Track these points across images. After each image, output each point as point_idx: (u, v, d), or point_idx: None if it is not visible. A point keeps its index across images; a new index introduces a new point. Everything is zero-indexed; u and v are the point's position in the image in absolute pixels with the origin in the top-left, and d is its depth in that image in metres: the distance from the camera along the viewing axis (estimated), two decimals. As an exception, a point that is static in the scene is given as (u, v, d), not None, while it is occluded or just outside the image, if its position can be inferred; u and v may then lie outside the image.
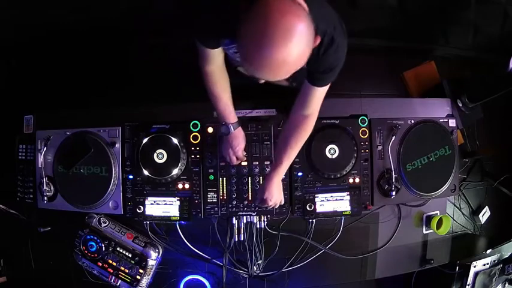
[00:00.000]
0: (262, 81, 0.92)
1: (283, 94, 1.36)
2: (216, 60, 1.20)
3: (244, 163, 1.55)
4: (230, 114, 1.36)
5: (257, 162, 1.54)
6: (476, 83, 2.00)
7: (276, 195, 1.39)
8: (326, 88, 1.19)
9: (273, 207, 1.48)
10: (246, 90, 1.53)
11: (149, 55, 2.18)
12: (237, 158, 1.50)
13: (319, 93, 1.19)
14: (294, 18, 0.81)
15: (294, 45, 0.81)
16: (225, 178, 1.55)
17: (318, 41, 0.92)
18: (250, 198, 1.54)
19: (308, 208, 1.55)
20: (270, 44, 0.80)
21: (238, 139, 1.45)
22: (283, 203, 1.48)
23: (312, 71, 1.12)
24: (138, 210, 1.54)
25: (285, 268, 1.61)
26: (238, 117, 1.41)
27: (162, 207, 1.54)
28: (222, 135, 1.49)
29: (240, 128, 1.43)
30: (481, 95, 1.92)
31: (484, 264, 1.84)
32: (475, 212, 2.22)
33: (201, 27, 1.07)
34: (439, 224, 1.72)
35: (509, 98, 2.18)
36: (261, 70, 0.86)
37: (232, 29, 0.88)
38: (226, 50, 1.20)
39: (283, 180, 1.54)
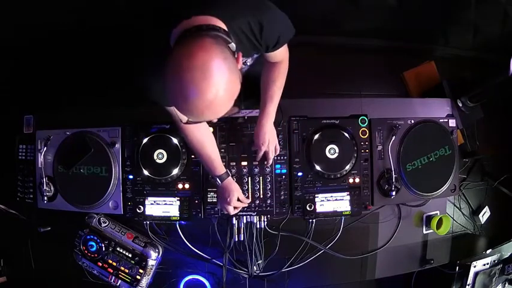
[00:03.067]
0: (215, 120, 0.93)
1: (283, 94, 1.36)
2: (181, 114, 1.20)
3: (244, 163, 1.54)
4: (215, 168, 1.37)
5: (257, 162, 1.54)
6: (476, 83, 1.99)
7: (267, 140, 1.40)
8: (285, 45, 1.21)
9: (267, 156, 1.48)
10: (246, 90, 1.53)
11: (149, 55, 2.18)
12: (236, 207, 1.45)
13: (279, 51, 1.20)
14: (203, 55, 0.79)
15: (217, 79, 0.79)
16: (225, 178, 1.55)
17: (240, 58, 0.92)
18: (250, 199, 1.54)
19: (308, 208, 1.55)
20: (193, 88, 0.78)
21: (228, 191, 1.40)
22: (278, 151, 1.49)
23: (268, 49, 1.14)
24: (138, 210, 1.54)
25: (285, 268, 1.61)
26: (238, 117, 1.41)
27: (162, 207, 1.54)
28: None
29: (229, 179, 1.40)
30: (481, 95, 1.92)
31: (484, 264, 1.84)
32: (475, 212, 2.22)
33: (150, 92, 1.11)
34: (439, 224, 1.72)
35: (509, 98, 2.19)
36: (199, 115, 0.84)
37: None
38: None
39: (283, 179, 1.55)
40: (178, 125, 1.24)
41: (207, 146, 1.34)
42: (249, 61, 1.25)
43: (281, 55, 1.24)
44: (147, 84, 1.09)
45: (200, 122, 0.92)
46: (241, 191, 1.45)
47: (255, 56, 1.23)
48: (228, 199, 1.40)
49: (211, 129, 1.54)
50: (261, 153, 1.48)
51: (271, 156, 1.49)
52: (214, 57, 0.80)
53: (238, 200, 1.43)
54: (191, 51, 0.80)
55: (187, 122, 0.92)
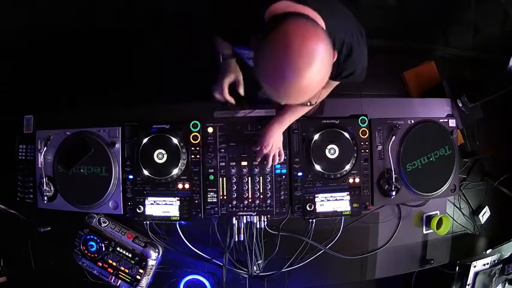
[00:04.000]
0: (283, 102, 0.93)
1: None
2: (224, 48, 1.24)
3: (244, 163, 1.54)
4: (224, 49, 1.31)
5: (257, 163, 1.54)
6: (476, 83, 2.00)
7: (271, 144, 1.38)
8: (335, 84, 1.21)
9: (271, 162, 1.47)
10: (245, 91, 1.53)
11: (149, 55, 2.18)
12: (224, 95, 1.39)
13: (327, 90, 1.22)
14: (314, 42, 0.79)
15: (317, 69, 0.80)
16: (225, 178, 1.55)
17: (336, 55, 0.91)
18: (250, 199, 1.54)
19: (308, 208, 1.55)
20: (294, 72, 0.79)
21: (228, 68, 1.34)
22: (282, 158, 1.47)
23: (336, 76, 1.12)
24: (138, 210, 1.54)
25: (285, 268, 1.61)
26: (238, 117, 1.40)
27: (162, 207, 1.54)
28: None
29: (233, 60, 1.33)
30: (480, 94, 1.92)
31: (484, 264, 1.84)
32: (475, 212, 2.22)
33: (224, 24, 1.06)
34: (439, 224, 1.72)
35: (509, 98, 2.19)
36: (285, 97, 0.85)
37: (247, 32, 0.89)
38: (240, 53, 1.20)
39: (283, 179, 1.55)
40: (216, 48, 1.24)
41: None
42: None
43: (322, 97, 1.24)
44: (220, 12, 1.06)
45: (277, 100, 0.89)
46: (241, 77, 1.36)
47: None
48: (227, 75, 1.34)
49: (211, 129, 1.56)
50: (260, 155, 1.47)
51: (270, 161, 1.48)
52: (323, 48, 0.80)
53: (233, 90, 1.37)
54: (304, 34, 0.79)
55: (259, 96, 0.92)
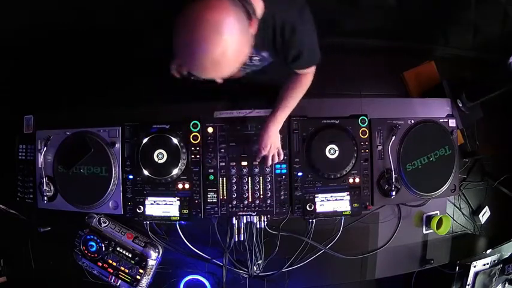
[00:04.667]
0: (220, 80, 0.94)
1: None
2: None
3: (244, 163, 1.54)
4: None
5: (257, 162, 1.54)
6: (476, 82, 2.00)
7: (269, 144, 1.39)
8: (310, 70, 1.22)
9: (271, 162, 1.47)
10: (245, 90, 1.53)
11: (149, 55, 2.18)
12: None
13: (305, 78, 1.23)
14: (217, 13, 0.81)
15: (227, 37, 0.81)
16: (225, 178, 1.55)
17: (255, 25, 0.92)
18: (250, 199, 1.54)
19: (308, 208, 1.55)
20: (202, 44, 0.80)
21: None
22: (281, 157, 1.48)
23: (280, 56, 1.14)
24: (138, 210, 1.54)
25: (285, 268, 1.61)
26: (239, 117, 1.41)
27: (162, 207, 1.54)
28: None
29: None
30: (480, 93, 1.92)
31: (484, 264, 1.84)
32: (475, 212, 2.22)
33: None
34: (439, 224, 1.72)
35: (509, 97, 2.19)
36: (204, 71, 0.85)
37: None
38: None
39: (283, 179, 1.55)
40: None
41: None
42: (257, 60, 1.24)
43: (305, 84, 1.28)
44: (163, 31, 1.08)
45: (202, 78, 0.91)
46: None
47: (265, 57, 1.21)
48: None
49: (211, 129, 1.55)
50: (260, 156, 1.47)
51: (270, 161, 1.48)
52: (229, 16, 0.82)
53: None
54: (208, 5, 0.81)
55: (189, 77, 0.94)
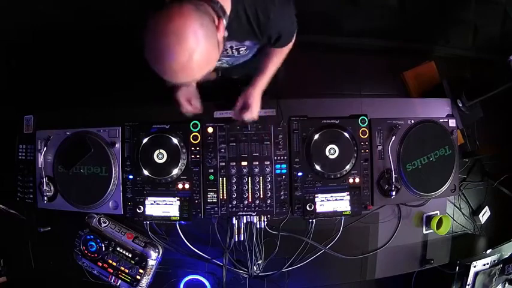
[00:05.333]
0: (194, 83, 0.96)
1: (284, 94, 1.36)
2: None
3: (244, 163, 1.54)
4: None
5: (257, 162, 1.54)
6: (475, 81, 2.00)
7: (255, 104, 1.40)
8: (290, 45, 1.27)
9: (250, 119, 1.46)
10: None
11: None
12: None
13: (285, 50, 1.27)
14: (178, 23, 0.83)
15: (191, 43, 0.84)
16: (225, 178, 1.55)
17: (222, 24, 0.94)
18: (250, 199, 1.54)
19: (308, 208, 1.55)
20: (167, 51, 0.84)
21: (178, 88, 1.43)
22: (256, 118, 1.46)
23: (263, 41, 1.17)
24: (138, 210, 1.54)
25: (285, 268, 1.61)
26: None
27: (162, 207, 1.54)
28: None
29: None
30: (479, 92, 1.92)
31: (484, 264, 1.84)
32: (475, 212, 2.22)
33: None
34: (439, 224, 1.72)
35: (509, 97, 2.19)
36: (174, 77, 0.89)
37: None
38: None
39: (283, 179, 1.55)
40: None
41: None
42: (244, 50, 1.26)
43: (284, 52, 1.30)
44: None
45: (176, 83, 0.95)
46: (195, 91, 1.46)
47: (250, 46, 1.23)
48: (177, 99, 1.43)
49: (211, 129, 1.56)
50: (235, 112, 1.46)
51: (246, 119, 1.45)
52: (190, 24, 0.84)
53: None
54: (169, 16, 0.84)
55: (166, 83, 0.95)
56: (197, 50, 0.85)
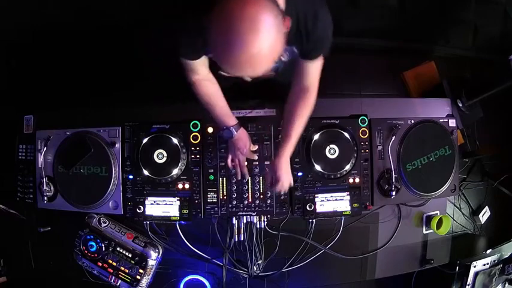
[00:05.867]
0: (248, 78, 0.93)
1: (283, 95, 1.36)
2: (201, 69, 1.20)
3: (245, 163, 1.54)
4: (229, 117, 1.35)
5: (257, 162, 1.54)
6: (475, 81, 2.00)
7: (288, 175, 1.35)
8: (320, 61, 1.19)
9: (281, 192, 1.41)
10: (245, 90, 1.53)
11: (149, 55, 2.18)
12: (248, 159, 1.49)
13: (314, 67, 1.19)
14: (255, 7, 0.79)
15: (264, 35, 0.80)
16: (225, 178, 1.55)
17: (288, 23, 0.90)
18: (250, 199, 1.54)
19: (308, 208, 1.55)
20: (239, 41, 0.79)
21: (243, 139, 1.43)
22: (292, 185, 1.42)
23: (302, 49, 1.12)
24: (138, 210, 1.54)
25: (285, 268, 1.61)
26: (239, 118, 1.41)
27: (162, 207, 1.54)
28: (225, 139, 1.46)
29: (242, 129, 1.42)
30: (479, 91, 1.92)
31: (484, 264, 1.84)
32: (475, 212, 2.22)
33: (178, 42, 1.07)
34: (439, 224, 1.72)
35: (509, 97, 2.19)
36: (239, 68, 0.85)
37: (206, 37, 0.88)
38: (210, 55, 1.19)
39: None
40: (190, 79, 1.22)
41: (219, 98, 1.31)
42: (285, 57, 1.21)
43: (312, 76, 1.22)
44: (173, 33, 1.08)
45: (235, 76, 0.91)
46: (249, 143, 1.46)
47: (295, 52, 1.19)
48: (245, 149, 1.43)
49: (211, 129, 1.56)
50: (279, 190, 1.38)
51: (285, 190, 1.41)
52: (267, 12, 0.80)
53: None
54: (244, 2, 0.79)
55: (222, 76, 0.91)
56: (268, 41, 0.80)
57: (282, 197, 1.55)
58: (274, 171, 1.33)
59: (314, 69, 1.20)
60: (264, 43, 0.80)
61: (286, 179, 1.35)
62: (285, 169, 1.35)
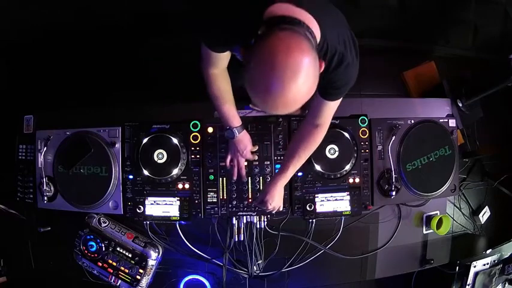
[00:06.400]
0: (272, 113, 0.94)
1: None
2: (221, 63, 1.19)
3: (245, 163, 1.54)
4: (234, 117, 1.35)
5: (257, 162, 1.54)
6: (475, 81, 1.99)
7: (276, 200, 1.37)
8: (338, 102, 1.18)
9: (270, 212, 1.45)
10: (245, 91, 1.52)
11: (149, 55, 2.18)
12: (247, 160, 1.49)
13: (330, 107, 1.19)
14: (299, 55, 0.80)
15: (302, 82, 0.81)
16: (225, 178, 1.55)
17: (323, 66, 0.91)
18: (250, 199, 1.54)
19: (308, 208, 1.55)
20: (279, 84, 0.80)
21: (245, 142, 1.43)
22: (281, 209, 1.46)
23: (323, 86, 1.10)
24: (138, 210, 1.54)
25: (285, 268, 1.61)
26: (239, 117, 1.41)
27: (162, 207, 1.54)
28: (227, 139, 1.46)
29: (245, 131, 1.41)
30: (479, 90, 1.92)
31: (484, 264, 1.84)
32: (475, 212, 2.22)
33: (212, 32, 1.05)
34: (439, 224, 1.72)
35: (509, 97, 2.19)
36: (273, 109, 0.86)
37: (244, 38, 0.89)
38: (235, 53, 1.18)
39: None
40: (207, 72, 1.21)
41: (229, 96, 1.30)
42: None
43: (328, 114, 1.23)
44: (209, 21, 1.05)
45: (266, 110, 0.93)
46: (250, 145, 1.47)
47: None
48: (245, 151, 1.43)
49: (211, 129, 1.55)
50: (268, 210, 1.42)
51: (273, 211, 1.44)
52: (308, 60, 0.81)
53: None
54: (288, 48, 0.80)
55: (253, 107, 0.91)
56: (305, 88, 0.82)
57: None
58: (265, 195, 1.35)
59: (331, 108, 1.21)
60: (302, 89, 0.82)
61: (276, 204, 1.38)
62: (277, 195, 1.37)
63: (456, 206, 2.11)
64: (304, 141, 1.28)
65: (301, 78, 0.80)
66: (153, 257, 1.55)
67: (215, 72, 1.21)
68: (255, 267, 1.58)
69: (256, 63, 0.82)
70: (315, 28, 0.90)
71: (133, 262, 1.55)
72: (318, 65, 0.86)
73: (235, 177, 1.50)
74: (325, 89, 1.11)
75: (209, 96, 1.27)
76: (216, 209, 1.54)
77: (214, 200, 1.54)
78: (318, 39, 0.93)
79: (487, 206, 2.22)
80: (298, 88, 0.81)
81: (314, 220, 1.57)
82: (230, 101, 1.31)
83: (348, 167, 1.55)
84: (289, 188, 1.56)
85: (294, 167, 1.31)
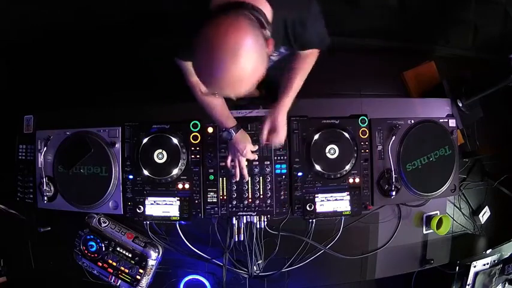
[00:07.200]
0: (234, 98, 0.96)
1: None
2: None
3: (245, 163, 1.54)
4: (228, 119, 1.36)
5: (257, 162, 1.54)
6: (475, 81, 1.99)
7: (282, 128, 1.34)
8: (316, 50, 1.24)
9: (277, 145, 1.40)
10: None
11: (149, 55, 2.18)
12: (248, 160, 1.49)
13: (310, 57, 1.25)
14: (237, 36, 0.82)
15: (245, 61, 0.83)
16: (225, 178, 1.55)
17: (271, 46, 0.93)
18: (250, 199, 1.54)
19: (308, 208, 1.55)
20: (220, 67, 0.82)
21: (243, 141, 1.43)
22: (282, 143, 1.41)
23: (292, 49, 1.17)
24: (138, 210, 1.54)
25: (285, 268, 1.61)
26: (238, 117, 1.41)
27: (162, 207, 1.54)
28: (225, 140, 1.46)
29: (241, 130, 1.41)
30: (478, 89, 1.92)
31: (484, 264, 1.84)
32: (475, 212, 2.22)
33: (174, 42, 1.11)
34: (439, 224, 1.72)
35: (509, 97, 2.19)
36: (221, 90, 0.88)
37: None
38: None
39: (283, 179, 1.55)
40: (189, 81, 1.25)
41: (217, 100, 1.32)
42: (275, 56, 1.25)
43: (309, 52, 1.27)
44: (180, 40, 1.12)
45: (219, 94, 0.94)
46: (250, 144, 1.45)
47: (283, 52, 1.23)
48: (245, 151, 1.42)
49: (211, 129, 1.56)
50: (262, 136, 1.37)
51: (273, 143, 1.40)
52: (246, 40, 0.83)
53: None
54: (225, 31, 0.83)
55: (206, 94, 0.96)
56: (249, 67, 0.84)
57: (282, 197, 1.54)
58: (273, 122, 1.33)
59: (311, 58, 1.26)
60: (245, 69, 0.84)
61: (283, 132, 1.36)
62: (283, 121, 1.35)
63: (456, 206, 2.11)
64: (299, 63, 1.30)
65: (243, 57, 0.82)
66: (153, 257, 1.55)
67: (196, 80, 1.22)
68: (255, 267, 1.58)
69: (198, 52, 0.85)
70: (263, 5, 0.93)
71: (133, 262, 1.55)
72: (263, 43, 0.88)
73: (237, 178, 1.50)
74: (302, 47, 1.18)
75: (199, 104, 1.30)
76: (216, 209, 1.54)
77: (214, 200, 1.54)
78: (269, 16, 0.96)
79: (487, 206, 2.22)
80: (241, 67, 0.83)
81: (314, 220, 1.57)
82: (220, 104, 1.32)
83: (348, 167, 1.55)
84: (289, 188, 1.56)
85: (295, 88, 1.31)
